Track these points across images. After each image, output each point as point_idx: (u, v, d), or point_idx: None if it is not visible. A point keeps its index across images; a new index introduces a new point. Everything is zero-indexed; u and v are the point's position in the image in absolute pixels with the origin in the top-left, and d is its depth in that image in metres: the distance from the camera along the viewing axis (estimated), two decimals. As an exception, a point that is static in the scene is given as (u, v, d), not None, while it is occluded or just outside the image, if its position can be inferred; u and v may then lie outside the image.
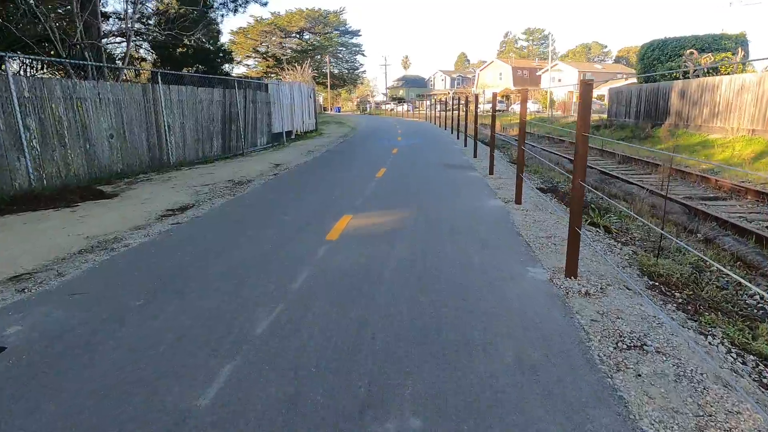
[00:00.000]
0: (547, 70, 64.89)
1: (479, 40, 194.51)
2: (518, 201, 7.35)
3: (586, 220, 6.74)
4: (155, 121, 11.39)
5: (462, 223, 6.14)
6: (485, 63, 78.59)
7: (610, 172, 12.46)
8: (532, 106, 52.64)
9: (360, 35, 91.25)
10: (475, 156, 13.44)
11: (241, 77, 19.40)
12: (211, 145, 13.80)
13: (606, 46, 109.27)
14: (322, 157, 14.06)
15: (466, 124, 16.61)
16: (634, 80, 50.08)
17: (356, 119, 43.83)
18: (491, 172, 10.32)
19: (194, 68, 20.01)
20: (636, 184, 10.16)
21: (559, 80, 63.48)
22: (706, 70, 21.41)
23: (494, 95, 9.92)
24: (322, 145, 18.33)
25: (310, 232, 5.71)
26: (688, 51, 22.06)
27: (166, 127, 11.74)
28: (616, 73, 67.02)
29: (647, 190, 9.23)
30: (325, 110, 70.37)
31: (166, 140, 11.72)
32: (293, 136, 21.09)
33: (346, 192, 8.33)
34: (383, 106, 77.26)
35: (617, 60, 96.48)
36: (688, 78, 22.01)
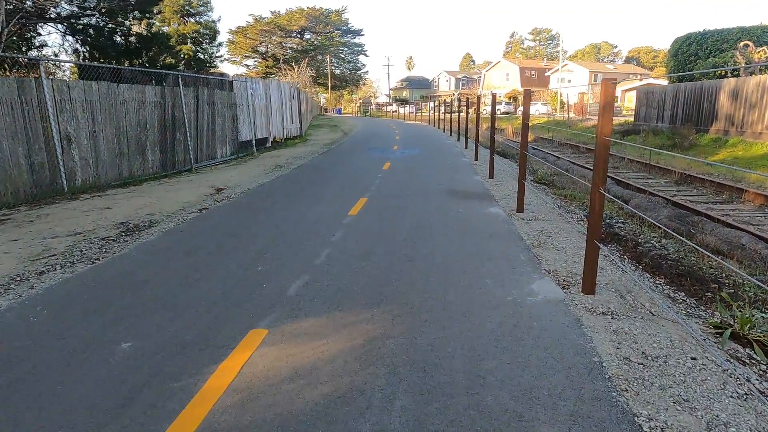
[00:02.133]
0: (558, 70, 61.48)
1: (485, 40, 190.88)
2: (589, 289, 3.98)
3: (718, 332, 3.41)
4: (43, 131, 8.08)
5: (498, 371, 2.77)
6: (491, 63, 75.20)
7: (684, 203, 9.04)
8: (541, 108, 49.14)
9: (362, 35, 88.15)
10: (491, 176, 10.05)
11: (196, 73, 16.12)
12: (143, 160, 10.46)
13: (616, 46, 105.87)
14: (288, 177, 10.69)
15: (477, 130, 13.23)
16: (650, 80, 46.42)
17: (353, 122, 40.41)
18: (520, 209, 6.96)
19: (131, 62, 16.63)
20: (745, 230, 6.65)
21: (569, 81, 59.97)
22: (759, 67, 17.98)
23: (527, 92, 6.52)
24: (300, 156, 14.96)
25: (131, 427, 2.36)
26: (741, 43, 18.56)
27: (63, 139, 8.43)
28: (629, 73, 63.33)
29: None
30: (325, 112, 67.18)
31: (61, 156, 8.39)
32: (269, 144, 17.74)
33: (288, 253, 4.98)
34: (386, 108, 73.88)
35: (627, 60, 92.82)
36: (738, 76, 18.55)
